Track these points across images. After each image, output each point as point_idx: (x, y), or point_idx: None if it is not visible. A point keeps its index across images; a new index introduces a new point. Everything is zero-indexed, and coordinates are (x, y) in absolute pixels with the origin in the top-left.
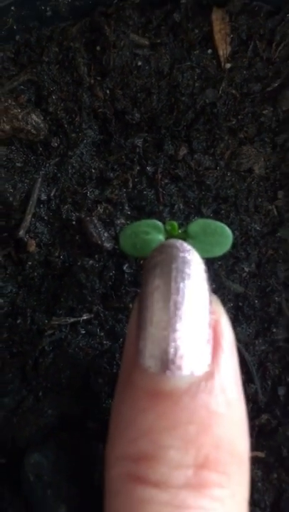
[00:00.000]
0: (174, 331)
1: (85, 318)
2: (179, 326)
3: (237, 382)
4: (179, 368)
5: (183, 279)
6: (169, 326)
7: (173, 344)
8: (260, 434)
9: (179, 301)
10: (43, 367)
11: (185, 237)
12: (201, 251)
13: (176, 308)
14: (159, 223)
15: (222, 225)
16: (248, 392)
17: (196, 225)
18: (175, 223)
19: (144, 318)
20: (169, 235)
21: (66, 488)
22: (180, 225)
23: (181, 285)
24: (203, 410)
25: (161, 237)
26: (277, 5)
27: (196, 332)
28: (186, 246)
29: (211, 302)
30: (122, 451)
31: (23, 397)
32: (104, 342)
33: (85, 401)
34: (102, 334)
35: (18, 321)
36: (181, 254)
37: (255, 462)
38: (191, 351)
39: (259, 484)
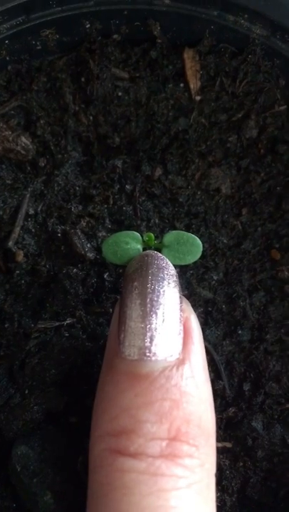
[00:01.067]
0: (150, 323)
1: (68, 322)
2: (154, 319)
3: (204, 369)
4: (155, 354)
5: (157, 281)
6: (145, 319)
7: (149, 334)
8: (227, 426)
9: (154, 299)
10: (30, 367)
11: (160, 246)
12: (174, 259)
13: (152, 305)
14: (138, 234)
15: (193, 236)
16: (217, 388)
17: (171, 235)
18: (152, 234)
19: (125, 314)
20: (147, 245)
21: (51, 476)
22: (156, 237)
23: (156, 286)
24: (175, 389)
25: (139, 246)
26: (240, 47)
27: (169, 325)
28: (160, 255)
29: (181, 301)
30: (104, 428)
31: (10, 394)
32: (87, 344)
33: (67, 397)
34: (84, 337)
35: (6, 325)
36: (156, 262)
37: (223, 452)
38: (165, 341)
39: (227, 472)
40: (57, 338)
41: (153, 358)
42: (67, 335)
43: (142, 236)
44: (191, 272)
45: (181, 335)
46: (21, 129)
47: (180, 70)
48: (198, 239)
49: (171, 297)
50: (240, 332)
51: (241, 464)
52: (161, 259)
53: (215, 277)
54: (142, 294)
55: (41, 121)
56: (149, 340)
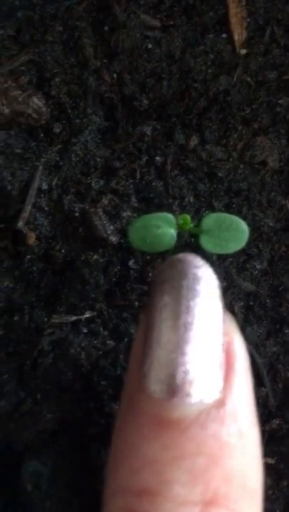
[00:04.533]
0: (184, 353)
1: (87, 316)
2: (189, 348)
3: (251, 409)
4: (188, 394)
5: (194, 297)
6: (178, 348)
7: (181, 368)
8: (270, 440)
9: (189, 321)
10: (42, 368)
11: (198, 231)
12: (215, 246)
13: (186, 328)
14: (171, 216)
15: (238, 219)
16: (259, 396)
17: (210, 219)
18: (188, 217)
19: (151, 338)
20: (181, 229)
21: (66, 498)
22: (192, 219)
23: (192, 303)
24: (213, 441)
25: (172, 231)
26: None
27: (208, 355)
28: (199, 261)
29: (224, 322)
30: (124, 482)
31: (20, 399)
32: (108, 342)
33: (86, 404)
34: (105, 333)
35: (15, 318)
36: (193, 270)
37: (265, 469)
38: (202, 376)
39: (269, 492)
40: (74, 335)
41: (186, 400)
42: (85, 331)
43: (175, 218)
44: (230, 260)
45: (223, 366)
46: (33, 88)
47: (222, 18)
48: (243, 223)
49: (212, 318)
50: (286, 331)
51: (285, 483)
52: (199, 267)
53: (258, 266)
54: (175, 313)
55: (56, 80)
56: (182, 375)
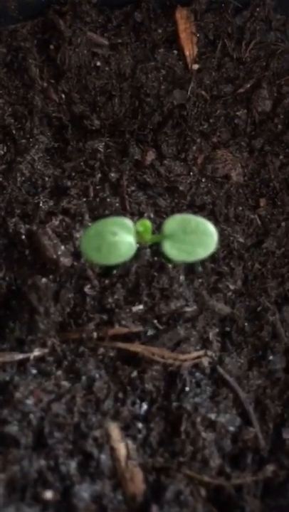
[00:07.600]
0: None
1: (37, 354)
2: None
3: None
4: None
5: None
6: None
7: None
8: (266, 492)
9: None
10: None
11: (160, 239)
12: (179, 253)
13: None
14: (130, 222)
15: (204, 221)
16: (246, 438)
17: (174, 222)
18: (148, 223)
19: None
20: (141, 238)
21: None
22: (153, 232)
23: None
24: None
25: (131, 239)
26: (245, 0)
27: None
28: None
29: None
30: None
31: None
32: (62, 383)
33: (38, 462)
34: (58, 373)
35: None
36: None
37: None
38: None
39: None
40: (21, 377)
41: None
42: (34, 372)
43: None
44: (200, 280)
45: None
46: None
47: (172, 35)
48: (211, 225)
49: None
50: (270, 358)
51: None
52: None
53: (231, 286)
54: None
55: (0, 101)
56: None
